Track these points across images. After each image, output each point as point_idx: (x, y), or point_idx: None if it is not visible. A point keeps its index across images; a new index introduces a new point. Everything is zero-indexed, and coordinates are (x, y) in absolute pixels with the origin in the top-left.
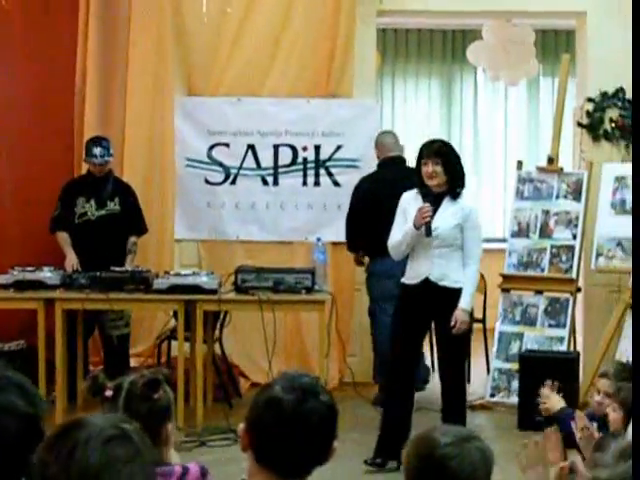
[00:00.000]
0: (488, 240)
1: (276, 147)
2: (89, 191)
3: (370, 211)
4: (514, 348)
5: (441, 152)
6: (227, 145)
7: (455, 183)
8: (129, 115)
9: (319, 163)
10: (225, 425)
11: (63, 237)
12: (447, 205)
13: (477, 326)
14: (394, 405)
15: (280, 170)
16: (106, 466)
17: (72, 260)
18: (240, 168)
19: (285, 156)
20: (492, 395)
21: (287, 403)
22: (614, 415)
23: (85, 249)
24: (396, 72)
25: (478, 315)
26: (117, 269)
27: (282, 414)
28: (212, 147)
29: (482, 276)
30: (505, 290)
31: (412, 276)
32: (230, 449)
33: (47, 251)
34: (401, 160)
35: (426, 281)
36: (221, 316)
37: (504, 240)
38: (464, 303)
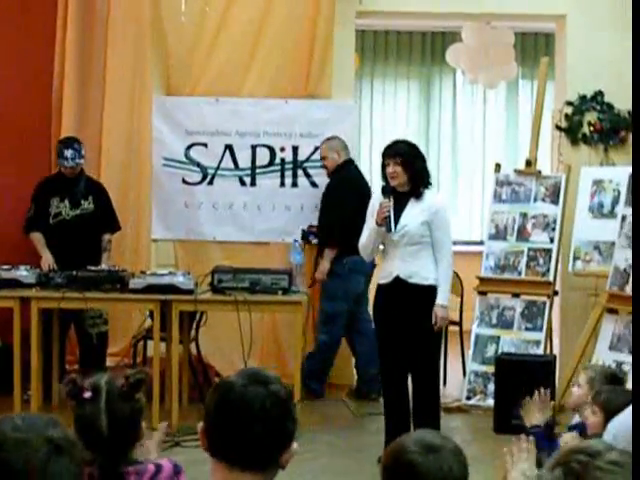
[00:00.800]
0: (465, 243)
1: (254, 147)
2: (62, 191)
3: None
4: (490, 351)
5: (400, 152)
6: (205, 145)
7: (417, 182)
8: (107, 114)
9: (297, 164)
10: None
11: (37, 237)
12: (413, 204)
13: (453, 328)
14: (394, 412)
15: (258, 171)
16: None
17: (48, 260)
18: (218, 168)
19: (263, 157)
20: (468, 398)
21: (234, 387)
22: (593, 419)
23: (61, 249)
24: (375, 73)
25: (454, 317)
26: (93, 268)
27: (228, 397)
28: (190, 147)
29: (459, 278)
30: (482, 293)
31: (384, 275)
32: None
33: (23, 250)
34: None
35: (397, 279)
36: (197, 316)
37: (481, 243)
38: (441, 299)
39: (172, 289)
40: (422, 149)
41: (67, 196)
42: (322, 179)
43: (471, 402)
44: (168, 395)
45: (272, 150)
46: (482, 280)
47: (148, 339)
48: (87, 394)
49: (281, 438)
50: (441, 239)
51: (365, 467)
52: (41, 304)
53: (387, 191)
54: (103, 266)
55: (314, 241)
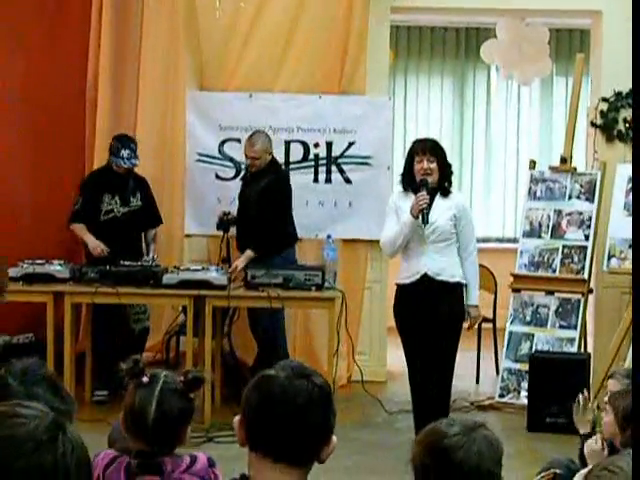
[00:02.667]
0: (499, 240)
1: (287, 143)
2: (113, 187)
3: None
4: (524, 348)
5: (435, 149)
6: (238, 140)
7: (445, 180)
8: (141, 110)
9: (331, 160)
10: (232, 421)
11: (79, 227)
12: (439, 201)
13: (487, 326)
14: (422, 411)
15: (291, 166)
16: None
17: (98, 244)
18: None
19: (296, 152)
20: (501, 395)
21: (278, 380)
22: (606, 419)
23: (110, 245)
24: (409, 69)
25: (488, 315)
26: (127, 263)
27: (272, 391)
28: (223, 142)
29: (492, 275)
30: (516, 290)
31: (408, 275)
32: (237, 445)
33: (56, 244)
34: None
35: (424, 277)
36: (230, 312)
37: (515, 240)
38: (473, 299)
39: (205, 284)
40: (456, 146)
41: (117, 193)
42: (356, 175)
43: (504, 400)
44: (200, 391)
45: (306, 146)
46: (516, 277)
47: (181, 334)
48: (145, 378)
49: (324, 431)
50: (468, 237)
51: (397, 465)
52: (74, 299)
53: (425, 184)
54: (153, 256)
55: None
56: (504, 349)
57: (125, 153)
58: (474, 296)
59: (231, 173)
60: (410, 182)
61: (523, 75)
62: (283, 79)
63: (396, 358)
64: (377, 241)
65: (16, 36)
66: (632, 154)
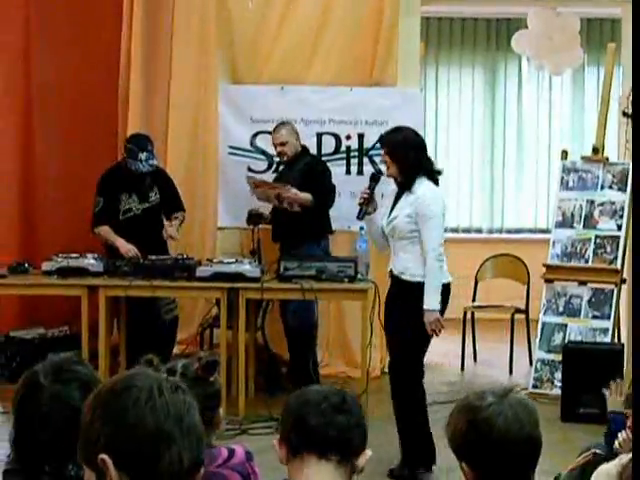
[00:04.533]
0: (531, 230)
1: (319, 135)
2: (129, 186)
3: None
4: (557, 339)
5: (385, 142)
6: (270, 133)
7: (409, 174)
8: (173, 104)
9: (362, 152)
10: (266, 413)
11: (106, 229)
12: (405, 196)
13: (520, 317)
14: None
15: (324, 159)
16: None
17: (129, 247)
18: None
19: (328, 145)
20: (535, 386)
21: (316, 420)
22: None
23: (134, 244)
24: (440, 61)
25: (521, 306)
26: (161, 257)
27: (311, 431)
28: (255, 135)
29: (525, 266)
30: (549, 281)
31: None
32: (271, 437)
33: (90, 238)
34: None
35: (391, 274)
36: (263, 304)
37: (547, 230)
38: (427, 303)
39: (239, 277)
40: (487, 136)
41: (134, 190)
42: None
43: (538, 390)
44: (235, 383)
45: (338, 138)
46: (549, 268)
47: (215, 327)
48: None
49: (361, 432)
50: (424, 234)
51: None
52: (108, 292)
53: (374, 178)
54: (172, 236)
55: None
56: (537, 340)
57: (143, 156)
58: (427, 301)
59: (263, 166)
60: (376, 174)
61: (554, 65)
62: (314, 71)
63: (429, 349)
64: None
65: (49, 30)
66: (632, 154)
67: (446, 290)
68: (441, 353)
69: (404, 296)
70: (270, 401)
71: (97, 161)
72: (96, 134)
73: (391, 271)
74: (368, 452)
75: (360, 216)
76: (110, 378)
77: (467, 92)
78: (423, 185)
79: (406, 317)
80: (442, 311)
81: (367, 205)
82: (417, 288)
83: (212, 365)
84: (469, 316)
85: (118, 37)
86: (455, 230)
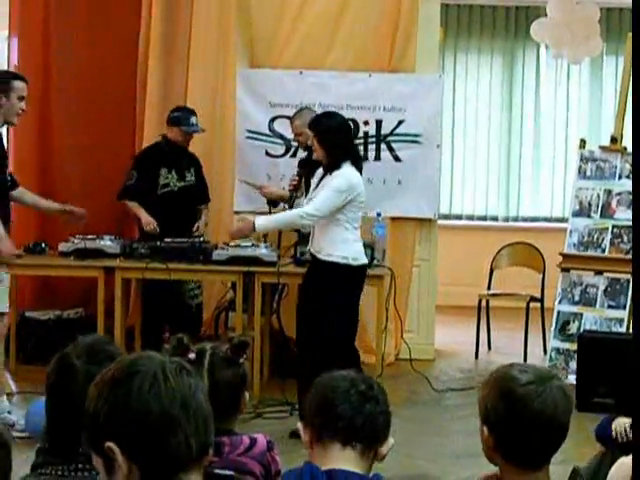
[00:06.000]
0: (547, 219)
1: None
2: (169, 162)
3: None
4: (573, 328)
5: (314, 126)
6: (288, 117)
7: (333, 157)
8: (191, 86)
9: (380, 138)
10: (281, 397)
11: (132, 204)
12: (327, 178)
13: (535, 305)
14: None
15: None
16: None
17: (150, 220)
18: None
19: None
20: None
21: (345, 406)
22: None
23: (166, 219)
24: (458, 48)
25: (536, 294)
26: (177, 239)
27: (338, 416)
28: (273, 119)
29: (541, 254)
30: (565, 270)
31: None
32: (286, 421)
33: (108, 220)
34: None
35: (311, 254)
36: (279, 288)
37: (564, 219)
38: (260, 219)
39: (255, 261)
40: (504, 124)
41: (174, 167)
42: (405, 153)
43: None
44: (250, 367)
45: (356, 123)
46: (565, 257)
47: (230, 310)
48: (191, 355)
49: (386, 421)
50: (318, 195)
51: (445, 442)
52: (125, 274)
53: (301, 164)
54: (197, 226)
55: None
56: (552, 329)
57: (194, 119)
58: (261, 220)
59: (281, 150)
60: (304, 160)
61: (573, 54)
62: (333, 56)
63: (444, 336)
64: (427, 219)
65: (68, 14)
66: (632, 156)
67: (360, 272)
68: (456, 341)
69: (319, 274)
70: (284, 385)
71: (115, 147)
72: (114, 117)
73: (309, 250)
74: (391, 440)
75: (290, 202)
76: (113, 364)
77: (485, 79)
78: (345, 168)
79: (323, 294)
80: (356, 293)
81: (296, 191)
82: (332, 267)
83: (243, 346)
84: (484, 304)
85: (137, 21)
86: (471, 218)
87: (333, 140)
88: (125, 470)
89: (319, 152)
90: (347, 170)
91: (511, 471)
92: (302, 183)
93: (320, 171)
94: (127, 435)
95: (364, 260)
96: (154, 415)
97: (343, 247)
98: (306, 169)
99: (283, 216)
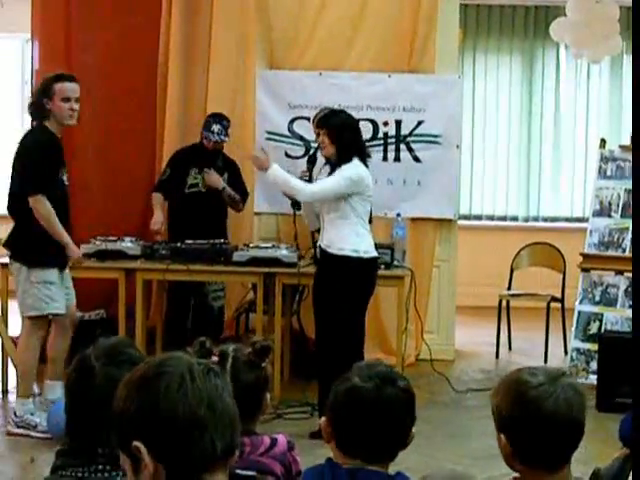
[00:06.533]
0: (568, 219)
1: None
2: (201, 163)
3: None
4: (593, 328)
5: (324, 124)
6: (308, 119)
7: (345, 154)
8: (211, 88)
9: (400, 138)
10: (302, 398)
11: (157, 197)
12: (335, 174)
13: (555, 305)
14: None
15: None
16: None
17: (158, 220)
18: None
19: (366, 131)
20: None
21: (366, 391)
22: None
23: (191, 219)
24: (477, 48)
25: (557, 294)
26: (198, 241)
27: (362, 402)
28: (293, 121)
29: (561, 254)
30: (585, 270)
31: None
32: (306, 422)
33: (129, 222)
34: None
35: (320, 248)
36: (299, 290)
37: (584, 219)
38: (276, 170)
39: (275, 262)
40: (524, 124)
41: (205, 167)
42: (425, 153)
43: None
44: (270, 368)
45: (375, 124)
46: (586, 257)
47: (251, 312)
48: (214, 358)
49: (409, 429)
50: (326, 179)
51: (465, 443)
52: (146, 275)
53: (310, 161)
54: (215, 180)
55: None
56: (573, 329)
57: (216, 128)
58: (277, 169)
59: (300, 151)
60: (312, 157)
61: (593, 53)
62: (353, 57)
63: (464, 337)
64: (446, 220)
65: (89, 14)
66: (632, 156)
67: (372, 264)
68: (476, 341)
69: (330, 268)
70: (305, 386)
71: (136, 148)
72: (136, 120)
73: (320, 245)
74: (413, 431)
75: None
76: (141, 364)
77: (505, 79)
78: (355, 161)
79: (333, 289)
80: (368, 286)
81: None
82: (344, 261)
83: (265, 350)
84: (504, 304)
85: (157, 23)
86: (491, 218)
87: (344, 137)
88: (151, 470)
89: (329, 149)
90: (357, 163)
91: (532, 475)
92: (312, 178)
93: (326, 168)
94: (154, 435)
95: (375, 253)
96: (181, 416)
97: (354, 240)
98: (314, 164)
99: (293, 181)
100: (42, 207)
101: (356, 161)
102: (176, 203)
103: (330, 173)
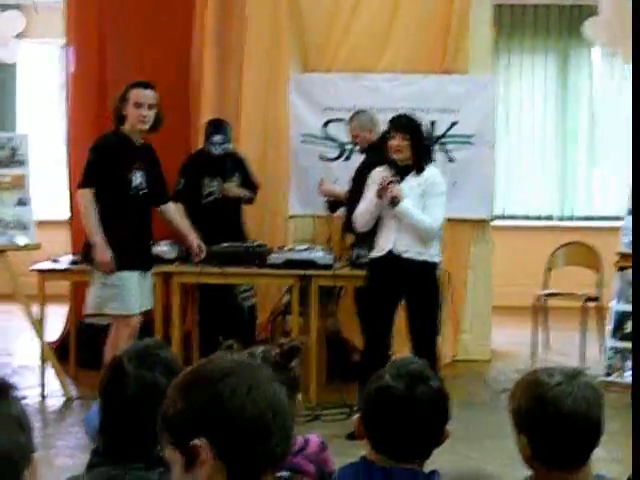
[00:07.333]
0: (603, 218)
1: None
2: (212, 170)
3: None
4: (629, 327)
5: (408, 127)
6: (342, 121)
7: (421, 158)
8: (245, 91)
9: (433, 139)
10: (339, 400)
11: (180, 209)
12: (411, 178)
13: (591, 305)
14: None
15: None
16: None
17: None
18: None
19: None
20: (607, 374)
21: (397, 390)
22: None
23: (211, 227)
24: (512, 48)
25: (593, 293)
26: (232, 244)
27: (392, 402)
28: (327, 123)
29: (597, 254)
30: (621, 269)
31: (378, 249)
32: (344, 424)
33: (164, 226)
34: None
35: (390, 253)
36: (337, 291)
37: (619, 218)
38: (407, 202)
39: (311, 264)
40: (559, 123)
41: (217, 175)
42: (459, 154)
43: (610, 379)
44: (306, 369)
45: None
46: (622, 256)
47: (286, 314)
48: None
49: (441, 430)
50: (430, 208)
51: (502, 443)
52: (181, 279)
53: (395, 166)
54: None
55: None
56: (609, 328)
57: (217, 138)
58: (408, 204)
59: (335, 153)
60: (388, 158)
61: (627, 52)
62: (386, 59)
63: (500, 337)
64: (481, 220)
65: (121, 18)
66: (632, 154)
67: (435, 268)
68: (512, 341)
69: (407, 274)
70: (342, 387)
71: (169, 151)
72: (170, 123)
73: (390, 251)
74: (447, 429)
75: (394, 203)
76: (201, 363)
77: (539, 79)
78: (430, 167)
79: (417, 293)
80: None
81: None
82: (423, 266)
83: (293, 351)
84: (540, 304)
85: (190, 26)
86: (526, 218)
87: (423, 141)
88: (211, 468)
89: (406, 152)
90: (434, 170)
91: (553, 475)
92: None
93: (382, 174)
94: (219, 435)
95: (440, 258)
96: (249, 420)
97: (431, 244)
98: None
99: (419, 214)
100: (83, 200)
101: (433, 167)
102: (195, 213)
103: (400, 176)
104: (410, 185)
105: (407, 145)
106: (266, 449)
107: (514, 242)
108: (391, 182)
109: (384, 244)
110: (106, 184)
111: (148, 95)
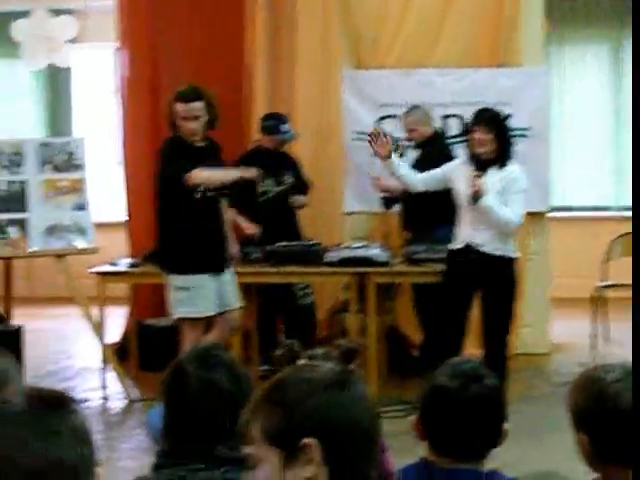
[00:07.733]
0: None
1: (445, 118)
2: (266, 168)
3: None
4: None
5: (492, 120)
6: (395, 117)
7: (504, 152)
8: (298, 89)
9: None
10: (398, 397)
11: (232, 210)
12: (493, 172)
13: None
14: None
15: (449, 141)
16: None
17: (249, 225)
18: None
19: (454, 127)
20: None
21: (451, 391)
22: None
23: (269, 226)
24: (564, 39)
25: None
26: (290, 243)
27: (447, 402)
28: (380, 119)
29: None
30: None
31: (457, 241)
32: (404, 421)
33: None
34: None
35: (467, 247)
36: (394, 288)
37: None
38: (489, 197)
39: (367, 262)
40: (614, 113)
41: (271, 173)
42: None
43: None
44: (366, 367)
45: (463, 120)
46: None
47: (345, 312)
48: (301, 362)
49: (499, 429)
50: (511, 204)
51: (564, 437)
52: (239, 279)
53: (476, 160)
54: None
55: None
56: None
57: (285, 127)
58: (490, 199)
59: None
60: (471, 152)
61: None
62: (439, 54)
63: (560, 329)
64: (539, 213)
65: (174, 17)
66: (632, 153)
67: (512, 263)
68: (572, 333)
69: (483, 268)
70: (403, 384)
71: (224, 151)
72: (223, 124)
73: (468, 245)
74: (505, 428)
75: (476, 200)
76: (314, 368)
77: (592, 70)
78: (516, 165)
79: (493, 288)
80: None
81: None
82: (500, 261)
83: (352, 352)
84: (600, 295)
85: (241, 27)
86: (583, 209)
87: (507, 135)
88: (317, 468)
89: (489, 146)
90: (517, 166)
91: (614, 473)
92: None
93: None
94: (333, 439)
95: (518, 254)
96: (363, 428)
97: (508, 239)
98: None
99: (502, 209)
100: (197, 177)
101: (514, 163)
102: (251, 213)
103: (482, 170)
104: (492, 180)
105: (490, 139)
106: (371, 457)
107: (572, 234)
108: (476, 176)
109: (462, 237)
110: (173, 187)
111: (189, 109)
